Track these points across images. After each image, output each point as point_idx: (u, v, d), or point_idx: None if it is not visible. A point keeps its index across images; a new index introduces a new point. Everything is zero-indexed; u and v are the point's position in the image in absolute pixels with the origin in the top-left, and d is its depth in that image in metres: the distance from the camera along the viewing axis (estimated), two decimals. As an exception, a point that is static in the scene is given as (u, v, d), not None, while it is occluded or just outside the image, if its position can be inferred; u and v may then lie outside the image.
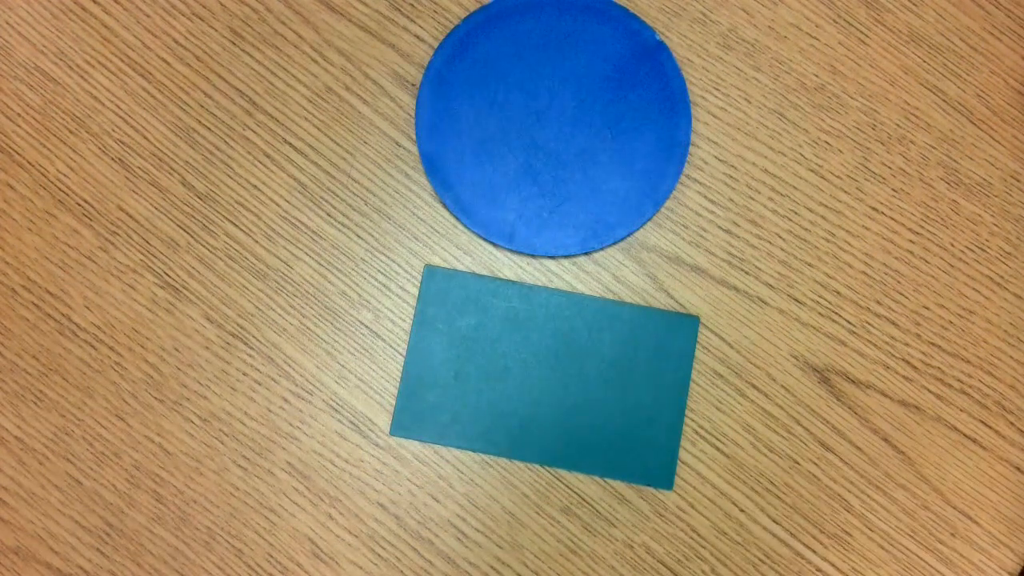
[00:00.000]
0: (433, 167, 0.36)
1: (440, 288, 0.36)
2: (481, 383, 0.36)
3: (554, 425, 0.35)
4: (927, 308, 0.37)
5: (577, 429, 0.35)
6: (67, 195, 0.37)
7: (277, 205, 0.37)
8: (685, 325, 0.36)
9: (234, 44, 0.38)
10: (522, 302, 0.36)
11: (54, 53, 0.37)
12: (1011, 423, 0.36)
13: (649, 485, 0.35)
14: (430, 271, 0.36)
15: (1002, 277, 0.37)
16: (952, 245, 0.37)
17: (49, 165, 0.37)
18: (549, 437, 0.35)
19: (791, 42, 0.38)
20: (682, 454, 0.36)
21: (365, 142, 0.37)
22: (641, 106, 0.37)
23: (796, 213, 0.37)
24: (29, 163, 0.37)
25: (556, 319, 0.36)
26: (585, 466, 0.35)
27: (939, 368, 0.37)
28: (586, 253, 0.37)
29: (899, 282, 0.37)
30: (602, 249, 0.37)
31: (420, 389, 0.35)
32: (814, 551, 0.36)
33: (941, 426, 0.36)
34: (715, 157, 0.38)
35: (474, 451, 0.35)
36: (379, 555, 0.35)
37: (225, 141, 0.37)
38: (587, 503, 0.36)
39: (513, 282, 0.36)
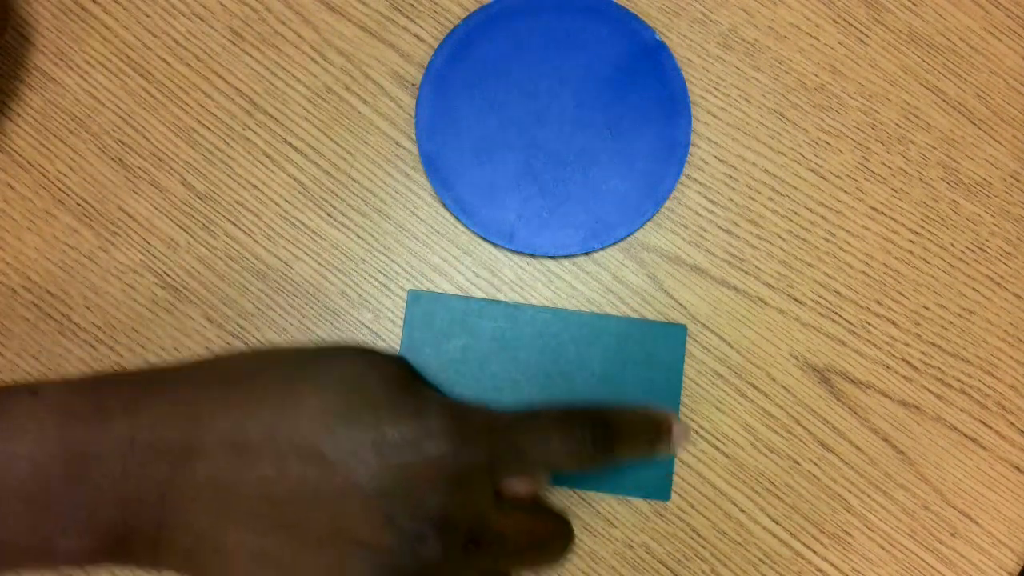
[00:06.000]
0: (433, 167, 0.36)
1: (425, 312, 0.36)
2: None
3: None
4: (927, 308, 0.37)
5: None
6: (67, 195, 0.37)
7: (277, 205, 0.37)
8: (672, 334, 0.36)
9: (234, 44, 0.38)
10: (508, 321, 0.36)
11: (54, 53, 0.37)
12: (1011, 423, 0.36)
13: (646, 497, 0.35)
14: (414, 295, 0.36)
15: (1002, 277, 0.37)
16: (952, 245, 0.37)
17: (49, 165, 0.37)
18: None
19: (791, 42, 0.38)
20: (682, 454, 0.36)
21: (365, 142, 0.37)
22: (641, 106, 0.37)
23: (796, 213, 0.37)
24: (29, 163, 0.37)
25: (543, 336, 0.36)
26: (581, 482, 0.35)
27: (939, 368, 0.37)
28: (586, 253, 0.37)
29: (899, 282, 0.37)
30: (602, 249, 0.37)
31: None
32: (814, 551, 0.36)
33: (941, 426, 0.36)
34: (715, 157, 0.38)
35: None
36: (379, 555, 0.35)
37: (225, 141, 0.37)
38: (587, 503, 0.36)
39: (498, 301, 0.36)
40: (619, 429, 0.29)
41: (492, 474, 0.26)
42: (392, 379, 0.25)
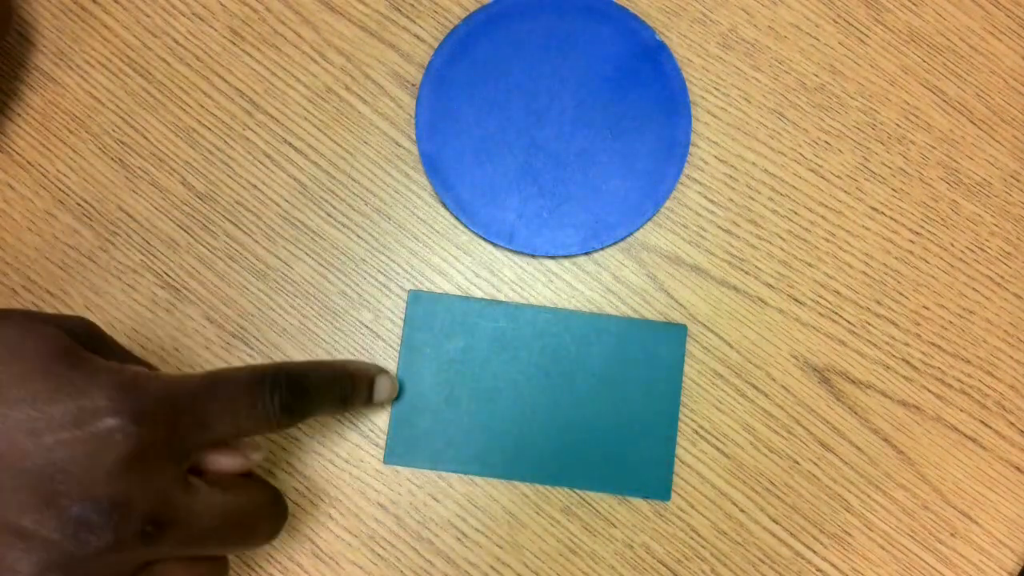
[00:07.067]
0: (433, 167, 0.36)
1: (426, 312, 0.36)
2: (472, 405, 0.35)
3: (548, 443, 0.35)
4: (927, 308, 0.37)
5: (571, 446, 0.35)
6: (67, 195, 0.37)
7: (277, 205, 0.37)
8: (673, 334, 0.36)
9: (234, 44, 0.38)
10: (509, 321, 0.36)
11: (54, 53, 0.37)
12: (1011, 423, 0.36)
13: (646, 497, 0.35)
14: (415, 296, 0.36)
15: (1002, 277, 0.37)
16: (952, 245, 0.37)
17: (49, 165, 0.37)
18: (544, 455, 0.35)
19: (791, 42, 0.38)
20: (682, 454, 0.36)
21: (365, 142, 0.37)
22: (641, 106, 0.37)
23: (796, 213, 0.37)
24: (29, 163, 0.37)
25: (544, 336, 0.36)
26: (581, 482, 0.35)
27: (939, 368, 0.37)
28: (586, 253, 0.37)
29: (899, 282, 0.37)
30: (602, 249, 0.37)
31: (412, 416, 0.35)
32: (814, 551, 0.36)
33: (941, 426, 0.36)
34: (715, 157, 0.38)
35: (470, 474, 0.35)
36: (379, 555, 0.35)
37: (225, 141, 0.37)
38: (587, 503, 0.36)
39: (498, 301, 0.36)
40: (308, 388, 0.27)
41: (178, 449, 0.24)
42: (52, 349, 0.23)
